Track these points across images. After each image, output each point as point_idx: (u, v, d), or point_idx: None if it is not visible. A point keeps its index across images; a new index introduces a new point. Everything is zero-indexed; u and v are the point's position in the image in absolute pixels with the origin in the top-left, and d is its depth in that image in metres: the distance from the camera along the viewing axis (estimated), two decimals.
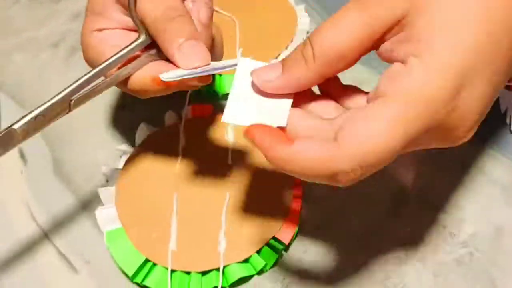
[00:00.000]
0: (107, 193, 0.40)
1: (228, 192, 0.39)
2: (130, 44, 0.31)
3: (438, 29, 0.24)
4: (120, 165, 0.42)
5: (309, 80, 0.27)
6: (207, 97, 0.46)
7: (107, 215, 0.39)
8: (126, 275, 0.37)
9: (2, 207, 0.41)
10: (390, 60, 0.26)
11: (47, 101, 0.29)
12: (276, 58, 0.47)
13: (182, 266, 0.36)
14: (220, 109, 0.45)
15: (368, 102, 0.27)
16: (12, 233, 0.40)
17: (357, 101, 0.28)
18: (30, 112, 0.29)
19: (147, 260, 0.37)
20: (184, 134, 0.43)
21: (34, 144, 0.44)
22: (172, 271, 0.36)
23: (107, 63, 0.31)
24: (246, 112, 0.28)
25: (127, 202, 0.39)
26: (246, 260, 0.37)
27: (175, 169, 0.41)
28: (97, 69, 0.31)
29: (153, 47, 0.32)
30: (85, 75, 0.30)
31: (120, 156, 0.43)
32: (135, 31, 0.33)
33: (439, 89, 0.24)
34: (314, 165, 0.25)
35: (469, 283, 0.36)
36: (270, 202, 0.39)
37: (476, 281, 0.37)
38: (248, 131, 0.27)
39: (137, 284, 0.37)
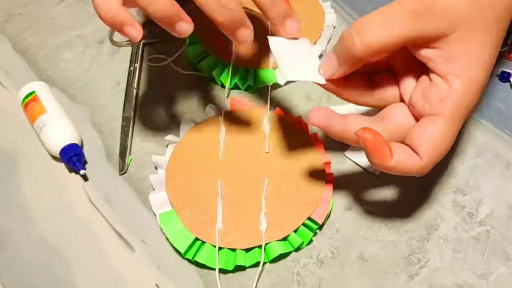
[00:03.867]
0: (157, 179, 0.44)
1: (266, 178, 0.43)
2: None
3: (464, 56, 0.33)
4: (167, 153, 0.45)
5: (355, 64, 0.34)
6: (243, 91, 0.49)
7: (159, 199, 0.43)
8: (178, 252, 0.41)
9: (64, 192, 0.45)
10: (425, 62, 0.34)
11: None
12: None
13: (228, 244, 0.40)
14: (255, 103, 0.48)
15: (412, 108, 0.36)
16: (74, 215, 0.43)
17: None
18: None
19: (196, 239, 0.40)
20: (225, 125, 0.46)
21: (87, 135, 0.48)
22: (219, 248, 0.40)
23: None
24: (293, 74, 0.37)
25: (176, 187, 0.43)
26: (284, 238, 0.41)
27: (218, 157, 0.44)
28: None
29: None
30: None
31: (167, 146, 0.46)
32: None
33: (474, 97, 0.34)
34: (410, 171, 0.35)
35: (485, 257, 0.40)
36: (305, 186, 0.43)
37: (491, 256, 0.40)
38: (362, 138, 0.35)
39: (188, 260, 0.41)
